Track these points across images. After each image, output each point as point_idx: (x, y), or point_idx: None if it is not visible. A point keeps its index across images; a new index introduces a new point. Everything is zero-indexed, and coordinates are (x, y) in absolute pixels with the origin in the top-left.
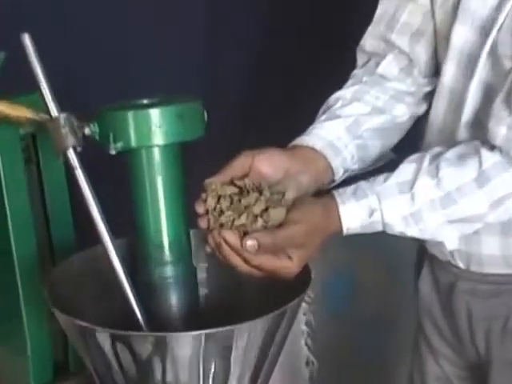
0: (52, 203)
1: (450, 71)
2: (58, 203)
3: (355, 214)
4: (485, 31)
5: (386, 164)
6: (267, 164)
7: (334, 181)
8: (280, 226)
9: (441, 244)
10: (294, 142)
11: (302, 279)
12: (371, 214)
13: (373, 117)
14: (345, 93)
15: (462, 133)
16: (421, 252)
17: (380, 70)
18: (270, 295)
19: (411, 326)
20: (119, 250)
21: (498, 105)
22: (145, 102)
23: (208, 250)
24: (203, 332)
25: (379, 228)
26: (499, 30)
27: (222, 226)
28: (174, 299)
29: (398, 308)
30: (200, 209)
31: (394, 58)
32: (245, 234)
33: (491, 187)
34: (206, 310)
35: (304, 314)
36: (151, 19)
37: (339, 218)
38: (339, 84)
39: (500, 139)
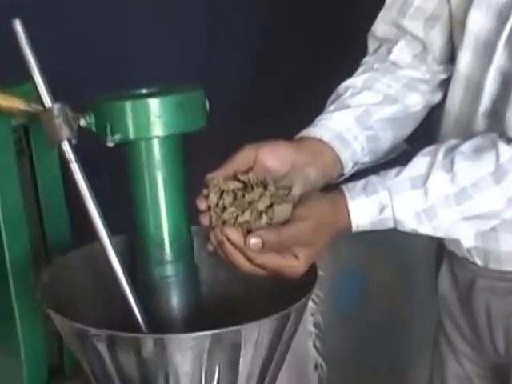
0: (46, 198)
1: (465, 58)
2: (53, 198)
3: (365, 210)
4: (501, 18)
5: (398, 156)
6: (272, 157)
7: (343, 174)
8: (286, 222)
9: (458, 240)
10: (301, 134)
11: (308, 278)
12: (382, 210)
13: (384, 106)
14: (355, 81)
15: (480, 123)
16: (440, 249)
17: (392, 57)
18: (274, 294)
19: (424, 326)
20: (117, 247)
21: None
22: (143, 91)
23: (210, 248)
24: (209, 333)
25: (390, 225)
26: None
27: (224, 222)
28: (175, 299)
29: (410, 308)
30: (202, 205)
31: (406, 44)
32: (248, 232)
33: (508, 182)
34: (207, 310)
35: (312, 315)
36: (151, 19)
37: (348, 214)
38: (339, 84)
39: None
